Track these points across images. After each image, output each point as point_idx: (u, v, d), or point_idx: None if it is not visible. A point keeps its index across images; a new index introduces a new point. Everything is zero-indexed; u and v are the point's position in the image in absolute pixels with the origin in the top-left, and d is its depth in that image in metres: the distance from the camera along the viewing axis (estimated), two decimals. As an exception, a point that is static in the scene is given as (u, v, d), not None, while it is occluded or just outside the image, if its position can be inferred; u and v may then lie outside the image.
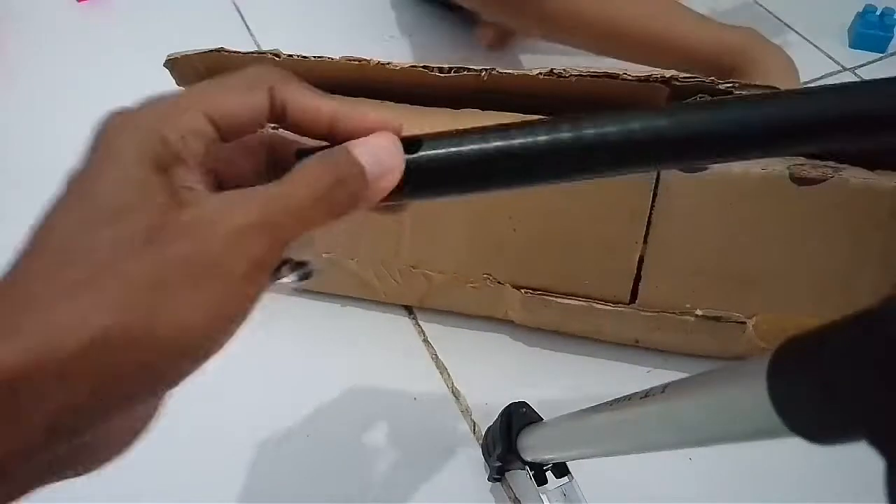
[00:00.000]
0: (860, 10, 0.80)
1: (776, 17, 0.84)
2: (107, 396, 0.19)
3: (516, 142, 0.25)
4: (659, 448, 0.29)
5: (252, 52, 0.51)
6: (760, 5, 0.86)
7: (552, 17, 0.65)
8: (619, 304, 0.50)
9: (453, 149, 0.25)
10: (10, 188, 0.67)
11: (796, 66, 0.69)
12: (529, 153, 0.25)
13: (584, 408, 0.34)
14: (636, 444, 0.31)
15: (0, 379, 0.17)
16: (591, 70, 0.47)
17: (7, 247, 0.21)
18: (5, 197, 0.66)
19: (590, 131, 0.26)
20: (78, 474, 0.23)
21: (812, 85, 0.76)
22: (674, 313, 0.49)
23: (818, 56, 0.79)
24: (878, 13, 0.79)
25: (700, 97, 0.47)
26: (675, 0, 0.68)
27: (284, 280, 0.26)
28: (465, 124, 0.52)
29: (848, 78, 0.77)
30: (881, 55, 0.79)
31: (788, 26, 0.83)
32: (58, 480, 0.22)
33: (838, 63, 0.78)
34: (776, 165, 0.45)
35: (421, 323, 0.57)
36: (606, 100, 0.49)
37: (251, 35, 0.83)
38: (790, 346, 0.20)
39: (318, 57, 0.50)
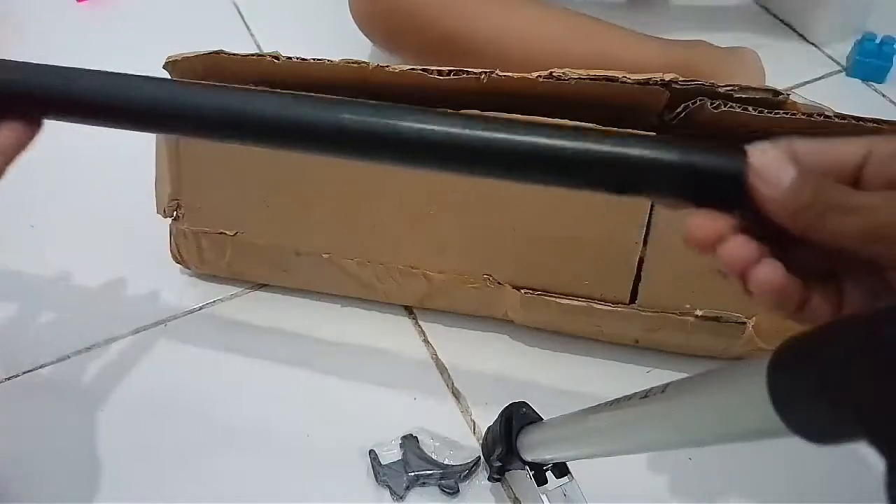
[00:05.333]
0: (858, 38, 0.76)
1: (776, 17, 0.84)
2: None
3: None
4: (659, 448, 0.29)
5: (252, 54, 0.51)
6: (761, 5, 0.86)
7: (469, 45, 0.64)
8: (619, 305, 0.50)
9: None
10: (8, 187, 0.67)
11: (759, 62, 0.69)
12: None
13: (584, 408, 0.34)
14: (636, 444, 0.31)
15: None
16: (591, 73, 0.47)
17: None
18: (4, 195, 0.66)
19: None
20: None
21: (811, 86, 0.76)
22: (674, 313, 0.49)
23: (818, 56, 0.79)
24: (877, 41, 0.75)
25: (700, 100, 0.47)
26: (613, 25, 0.68)
27: None
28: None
29: (847, 78, 0.77)
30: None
31: (789, 26, 0.83)
32: None
33: (838, 63, 0.78)
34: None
35: (421, 323, 0.57)
36: (605, 102, 0.49)
37: (251, 36, 0.83)
38: (790, 346, 0.20)
39: (318, 59, 0.50)
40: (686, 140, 0.25)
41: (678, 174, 0.25)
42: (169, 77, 0.31)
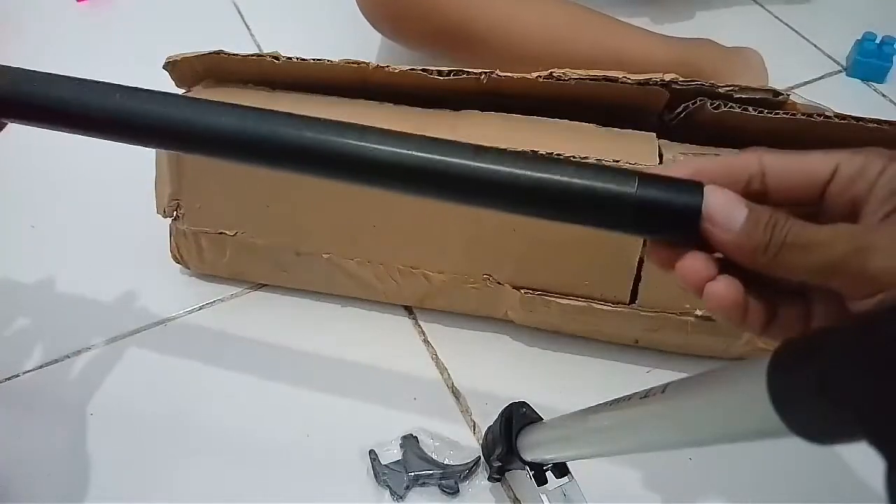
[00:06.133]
0: (859, 37, 0.76)
1: (776, 17, 0.84)
2: None
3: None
4: (659, 448, 0.29)
5: (252, 54, 0.51)
6: (761, 5, 0.86)
7: (488, 42, 0.64)
8: (619, 305, 0.50)
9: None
10: (8, 188, 0.67)
11: (762, 62, 0.69)
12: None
13: (583, 408, 0.34)
14: (636, 444, 0.31)
15: None
16: (591, 73, 0.48)
17: None
18: (4, 195, 0.66)
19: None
20: None
21: (811, 86, 0.76)
22: (674, 313, 0.49)
23: (818, 56, 0.79)
24: (877, 41, 0.75)
25: (700, 100, 0.47)
26: (619, 20, 0.68)
27: None
28: (466, 125, 0.52)
29: (847, 78, 0.77)
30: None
31: (788, 26, 0.83)
32: None
33: (838, 63, 0.78)
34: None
35: (421, 323, 0.57)
36: (605, 102, 0.49)
37: (251, 36, 0.83)
38: (790, 346, 0.20)
39: (318, 59, 0.50)
40: (644, 175, 0.25)
41: (632, 210, 0.25)
42: (138, 87, 0.30)
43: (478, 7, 0.63)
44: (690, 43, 0.69)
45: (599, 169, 0.25)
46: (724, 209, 0.23)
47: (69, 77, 0.32)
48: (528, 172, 0.26)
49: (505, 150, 0.27)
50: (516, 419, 0.43)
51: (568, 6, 0.66)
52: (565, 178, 0.25)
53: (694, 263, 0.24)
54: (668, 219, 0.24)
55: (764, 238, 0.23)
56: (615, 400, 0.31)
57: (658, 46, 0.67)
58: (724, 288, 0.24)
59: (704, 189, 0.24)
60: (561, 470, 0.41)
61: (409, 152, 0.27)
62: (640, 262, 0.48)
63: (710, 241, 0.24)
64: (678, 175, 0.25)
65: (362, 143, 0.28)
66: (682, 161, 0.24)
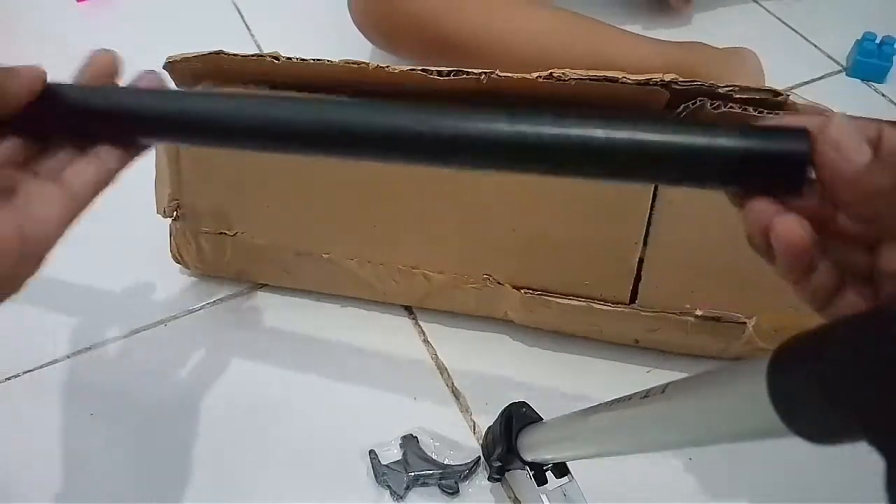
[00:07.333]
0: (859, 37, 0.76)
1: (776, 16, 0.84)
2: None
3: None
4: (659, 448, 0.29)
5: (252, 55, 0.51)
6: (761, 5, 0.86)
7: (475, 49, 0.64)
8: (619, 305, 0.50)
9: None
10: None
11: (758, 62, 0.69)
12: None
13: (584, 408, 0.34)
14: (636, 444, 0.31)
15: None
16: (591, 73, 0.47)
17: None
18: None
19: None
20: None
21: (811, 86, 0.76)
22: (674, 313, 0.49)
23: (818, 56, 0.79)
24: (877, 41, 0.75)
25: (700, 100, 0.47)
26: (612, 27, 0.68)
27: None
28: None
29: (847, 78, 0.77)
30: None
31: (788, 26, 0.83)
32: None
33: (838, 63, 0.78)
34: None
35: (421, 323, 0.57)
36: (606, 103, 0.49)
37: (252, 36, 0.83)
38: (790, 346, 0.20)
39: (318, 59, 0.50)
40: (747, 127, 0.24)
41: (738, 160, 0.23)
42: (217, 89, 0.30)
43: (472, 20, 0.63)
44: (683, 46, 0.69)
45: (697, 127, 0.24)
46: (854, 138, 0.21)
47: (200, 92, 0.32)
48: (627, 135, 0.25)
49: (589, 112, 0.26)
50: (516, 419, 0.43)
51: (561, 15, 0.66)
52: (667, 139, 0.25)
53: (762, 203, 0.23)
54: (775, 168, 0.23)
55: (888, 183, 0.20)
56: (615, 400, 0.31)
57: (652, 51, 0.67)
58: (788, 222, 0.22)
59: (831, 113, 0.23)
60: (561, 470, 0.41)
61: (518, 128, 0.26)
62: (640, 262, 0.48)
63: (825, 170, 0.22)
64: (802, 119, 0.23)
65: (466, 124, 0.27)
66: (807, 104, 0.23)
